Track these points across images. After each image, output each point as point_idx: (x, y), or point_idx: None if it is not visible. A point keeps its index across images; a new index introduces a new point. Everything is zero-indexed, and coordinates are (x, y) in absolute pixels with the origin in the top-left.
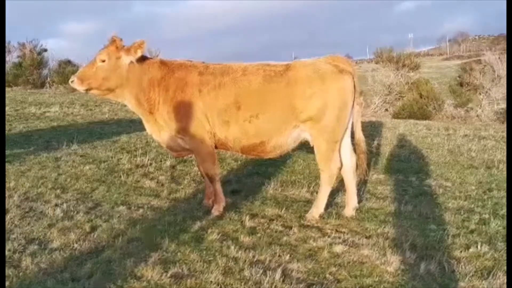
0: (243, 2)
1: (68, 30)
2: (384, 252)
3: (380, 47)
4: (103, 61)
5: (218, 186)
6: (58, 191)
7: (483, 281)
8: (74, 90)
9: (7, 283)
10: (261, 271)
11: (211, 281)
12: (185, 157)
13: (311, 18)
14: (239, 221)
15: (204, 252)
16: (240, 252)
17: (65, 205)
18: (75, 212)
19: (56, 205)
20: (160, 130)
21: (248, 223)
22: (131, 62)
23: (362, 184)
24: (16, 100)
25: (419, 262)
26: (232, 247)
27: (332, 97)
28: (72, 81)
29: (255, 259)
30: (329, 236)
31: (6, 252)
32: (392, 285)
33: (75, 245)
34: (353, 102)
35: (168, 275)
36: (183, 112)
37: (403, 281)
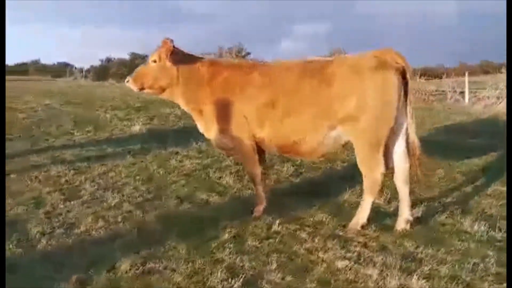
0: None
1: (297, 32)
2: (386, 274)
3: None
4: (155, 61)
5: (259, 187)
6: (139, 182)
7: None
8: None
9: (14, 258)
10: (225, 277)
11: (174, 281)
12: None
13: None
14: (269, 225)
15: (194, 252)
16: (230, 256)
17: (126, 195)
18: (128, 202)
19: (122, 195)
20: (209, 129)
21: (276, 227)
22: (172, 64)
23: (468, 196)
24: None
25: None
26: (228, 250)
27: (371, 95)
28: (127, 81)
29: (239, 265)
30: (344, 249)
31: (34, 232)
32: None
33: (94, 233)
34: (402, 99)
35: (140, 270)
36: (224, 112)
37: None
